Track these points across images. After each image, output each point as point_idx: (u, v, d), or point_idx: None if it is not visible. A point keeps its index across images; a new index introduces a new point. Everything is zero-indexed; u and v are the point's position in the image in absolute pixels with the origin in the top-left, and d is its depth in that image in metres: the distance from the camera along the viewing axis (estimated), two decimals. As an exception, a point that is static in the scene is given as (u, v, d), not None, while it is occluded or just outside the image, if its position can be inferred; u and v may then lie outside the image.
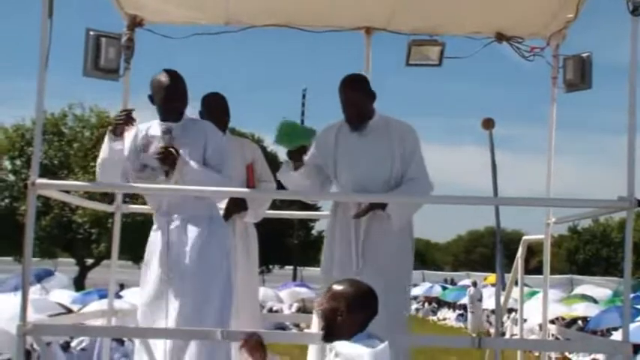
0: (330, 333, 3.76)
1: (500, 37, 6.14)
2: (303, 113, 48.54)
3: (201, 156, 5.11)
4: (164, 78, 5.09)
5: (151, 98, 5.15)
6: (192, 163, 5.00)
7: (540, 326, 6.98)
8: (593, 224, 67.62)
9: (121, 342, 14.54)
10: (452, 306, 34.70)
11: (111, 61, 5.66)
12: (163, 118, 5.15)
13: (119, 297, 17.54)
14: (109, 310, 6.17)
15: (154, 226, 5.16)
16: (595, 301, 27.62)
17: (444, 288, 39.92)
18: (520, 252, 6.12)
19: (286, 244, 43.68)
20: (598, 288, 37.40)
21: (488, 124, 5.01)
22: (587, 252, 67.34)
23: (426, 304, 36.68)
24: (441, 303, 36.52)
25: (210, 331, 4.56)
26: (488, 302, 27.25)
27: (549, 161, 6.14)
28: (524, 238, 6.31)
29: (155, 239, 5.11)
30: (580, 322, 23.21)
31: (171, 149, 4.96)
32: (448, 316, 34.28)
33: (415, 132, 5.34)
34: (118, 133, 4.93)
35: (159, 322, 4.91)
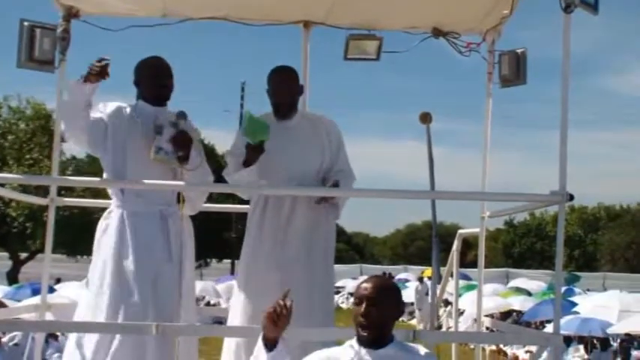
0: (380, 340, 3.49)
1: (437, 32, 6.18)
2: (242, 106, 48.56)
3: None
4: (153, 58, 5.24)
5: (137, 83, 5.26)
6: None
7: (475, 319, 7.05)
8: (529, 218, 68.74)
9: (55, 337, 14.35)
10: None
11: (46, 52, 5.56)
12: (152, 100, 5.20)
13: (53, 291, 17.30)
14: (42, 304, 6.07)
15: (130, 212, 5.04)
16: (529, 294, 28.12)
17: (382, 281, 40.10)
18: (455, 245, 6.18)
19: (224, 238, 43.49)
20: (533, 281, 38.02)
21: (426, 118, 5.05)
22: (523, 245, 68.40)
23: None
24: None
25: (145, 325, 4.50)
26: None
27: (485, 155, 6.20)
28: (460, 231, 6.38)
29: (141, 226, 5.01)
30: (515, 314, 23.64)
31: (187, 134, 5.02)
32: (386, 309, 34.46)
33: (338, 125, 5.52)
34: (87, 81, 4.83)
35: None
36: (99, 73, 4.79)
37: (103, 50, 4.80)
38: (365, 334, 3.48)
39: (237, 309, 5.27)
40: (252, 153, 5.05)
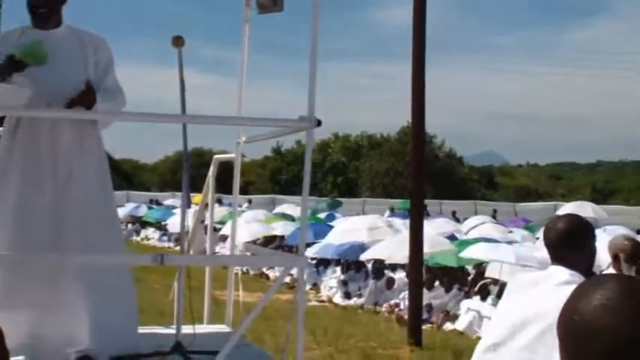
0: None
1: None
2: (-1, 23, 45.84)
3: None
4: None
5: None
6: None
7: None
8: (296, 146, 70.06)
9: None
10: (155, 226, 34.81)
11: None
12: None
13: None
14: None
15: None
16: (293, 220, 28.87)
17: (150, 208, 39.75)
18: (211, 171, 6.17)
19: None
20: (298, 207, 38.95)
21: (178, 41, 4.95)
22: (290, 173, 69.76)
23: (130, 225, 36.40)
24: (144, 223, 36.44)
25: None
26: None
27: (241, 82, 6.25)
28: (215, 157, 6.38)
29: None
30: (278, 239, 24.31)
31: None
32: (152, 236, 34.40)
33: (108, 44, 5.28)
34: None
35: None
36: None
37: None
38: None
39: None
40: (12, 67, 4.73)
